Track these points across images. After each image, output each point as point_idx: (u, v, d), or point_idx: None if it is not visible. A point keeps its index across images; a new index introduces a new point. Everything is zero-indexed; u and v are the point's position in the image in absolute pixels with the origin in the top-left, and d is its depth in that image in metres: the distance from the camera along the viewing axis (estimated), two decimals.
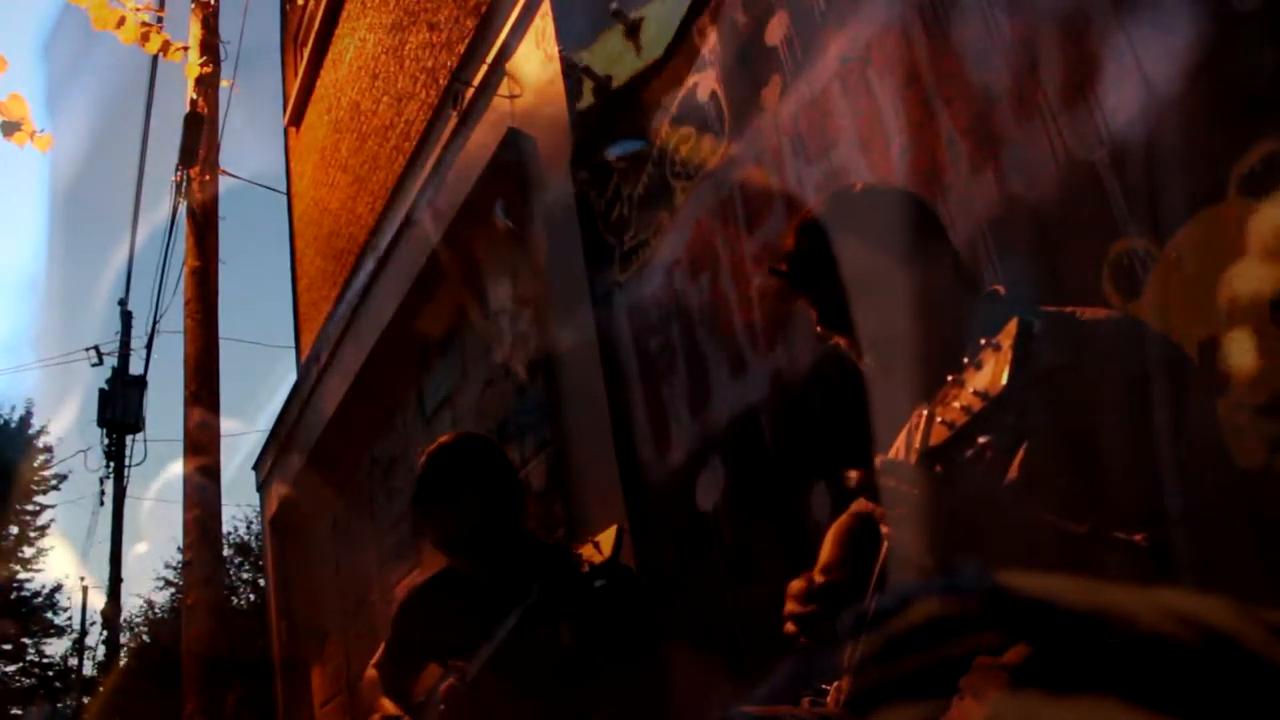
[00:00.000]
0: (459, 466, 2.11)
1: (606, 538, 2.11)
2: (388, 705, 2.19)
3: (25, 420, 19.72)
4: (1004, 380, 1.07)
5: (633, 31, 3.03)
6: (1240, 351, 1.48)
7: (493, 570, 2.09)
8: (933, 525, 1.15)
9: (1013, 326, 1.09)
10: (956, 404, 1.13)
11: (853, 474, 1.25)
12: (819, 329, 1.47)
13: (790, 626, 1.41)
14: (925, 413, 1.18)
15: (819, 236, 1.42)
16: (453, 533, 2.09)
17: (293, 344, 8.08)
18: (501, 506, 2.10)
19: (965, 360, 1.14)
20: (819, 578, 1.45)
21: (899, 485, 1.17)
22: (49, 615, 19.69)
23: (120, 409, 13.44)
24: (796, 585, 1.44)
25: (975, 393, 1.11)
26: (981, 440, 1.14)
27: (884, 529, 1.26)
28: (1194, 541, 1.09)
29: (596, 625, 1.95)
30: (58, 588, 19.93)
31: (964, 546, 1.15)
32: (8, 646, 19.10)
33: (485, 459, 2.16)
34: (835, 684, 1.32)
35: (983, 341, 1.12)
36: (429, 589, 2.25)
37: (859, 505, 1.57)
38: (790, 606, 1.42)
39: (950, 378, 1.16)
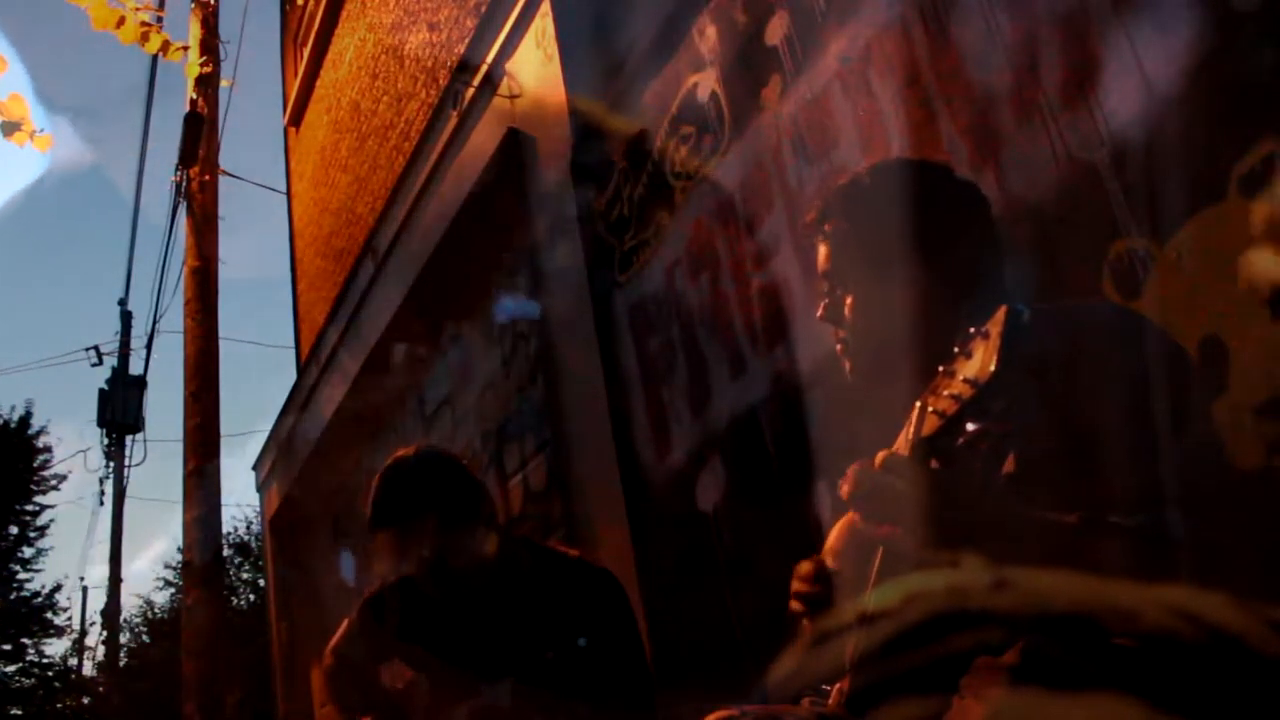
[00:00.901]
0: (411, 490, 2.08)
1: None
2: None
3: (25, 420, 19.70)
4: (992, 366, 1.07)
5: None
6: (1240, 351, 1.48)
7: (455, 590, 2.08)
8: (930, 521, 1.15)
9: (1001, 314, 1.10)
10: (947, 393, 1.13)
11: (845, 486, 1.24)
12: (820, 315, 1.46)
13: (795, 605, 1.41)
14: (918, 404, 1.19)
15: (862, 191, 1.44)
16: (410, 564, 2.08)
17: (293, 344, 8.08)
18: (455, 528, 2.07)
19: (956, 350, 1.14)
20: (828, 560, 1.45)
21: (898, 482, 1.17)
22: (48, 616, 19.66)
23: (120, 409, 13.44)
24: (805, 566, 1.43)
25: (965, 380, 1.11)
26: (971, 427, 1.14)
27: (859, 521, 1.25)
28: (1190, 530, 1.09)
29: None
30: (57, 588, 19.89)
31: (961, 542, 1.15)
32: (7, 647, 19.07)
33: (437, 479, 2.11)
34: (837, 686, 1.32)
35: (972, 330, 1.13)
36: (400, 586, 2.21)
37: None
38: (797, 585, 1.42)
39: (941, 368, 1.16)
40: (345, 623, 2.28)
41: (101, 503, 14.67)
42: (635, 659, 2.09)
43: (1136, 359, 1.21)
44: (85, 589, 20.04)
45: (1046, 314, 1.27)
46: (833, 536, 1.51)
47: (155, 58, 7.38)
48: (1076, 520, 1.11)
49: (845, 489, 1.20)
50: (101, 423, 13.64)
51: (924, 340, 1.33)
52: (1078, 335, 1.24)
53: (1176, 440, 1.13)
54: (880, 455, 1.19)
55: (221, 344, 5.57)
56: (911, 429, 1.19)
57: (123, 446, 13.84)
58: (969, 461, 1.16)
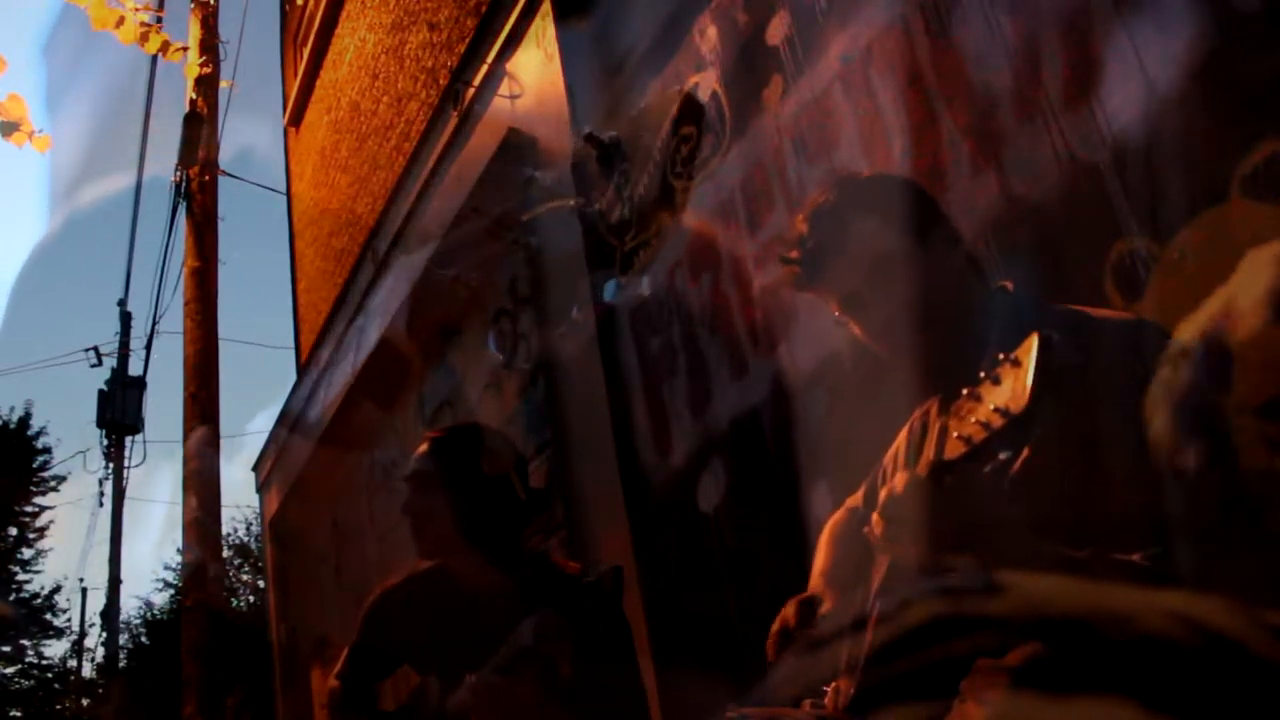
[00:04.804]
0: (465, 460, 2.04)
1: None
2: None
3: (25, 421, 19.68)
4: (1027, 400, 1.05)
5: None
6: (1241, 352, 1.47)
7: (460, 594, 2.04)
8: (935, 540, 1.14)
9: (1032, 342, 1.07)
10: (973, 419, 1.10)
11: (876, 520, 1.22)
12: (837, 315, 1.45)
13: (770, 651, 1.40)
14: (938, 424, 1.17)
15: (829, 221, 1.42)
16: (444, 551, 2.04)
17: (293, 344, 8.08)
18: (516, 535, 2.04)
19: (982, 374, 1.12)
20: (818, 584, 1.44)
21: (902, 518, 1.16)
22: (48, 617, 19.64)
23: (119, 410, 13.44)
24: (790, 611, 1.43)
25: (995, 410, 1.08)
26: (1002, 457, 1.12)
27: (878, 547, 1.24)
28: (1195, 547, 1.09)
29: (588, 660, 1.86)
30: (57, 589, 19.88)
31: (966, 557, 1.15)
32: (7, 648, 19.07)
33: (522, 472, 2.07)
34: (833, 685, 1.32)
35: (1001, 356, 1.10)
36: (407, 587, 2.17)
37: (853, 500, 1.57)
38: (771, 646, 1.41)
39: (966, 391, 1.13)
40: (347, 652, 2.21)
41: (101, 504, 14.67)
42: (608, 683, 2.02)
43: (1147, 377, 1.20)
44: (85, 590, 20.00)
45: (1068, 325, 1.26)
46: (820, 554, 1.50)
47: (155, 57, 7.38)
48: (1087, 555, 1.10)
49: (877, 525, 1.19)
50: (101, 423, 13.64)
51: (938, 321, 1.34)
52: (1096, 350, 1.23)
53: (1186, 465, 1.12)
54: (900, 479, 1.18)
55: (221, 344, 5.57)
56: (930, 447, 1.17)
57: (122, 447, 13.83)
58: (981, 485, 1.15)
